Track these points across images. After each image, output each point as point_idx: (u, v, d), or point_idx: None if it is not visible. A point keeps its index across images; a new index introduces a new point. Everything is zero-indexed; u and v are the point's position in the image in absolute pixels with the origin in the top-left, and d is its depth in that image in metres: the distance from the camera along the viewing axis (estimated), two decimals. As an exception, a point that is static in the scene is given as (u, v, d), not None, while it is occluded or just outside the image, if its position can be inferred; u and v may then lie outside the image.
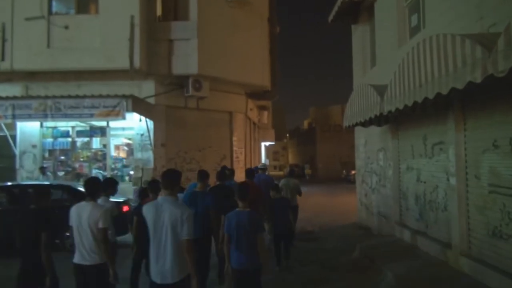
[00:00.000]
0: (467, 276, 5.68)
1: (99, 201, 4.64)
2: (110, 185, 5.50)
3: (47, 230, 4.14)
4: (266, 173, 9.86)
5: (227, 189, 6.11)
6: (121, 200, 9.38)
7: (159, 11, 13.92)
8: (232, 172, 8.14)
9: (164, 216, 3.56)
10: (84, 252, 4.15)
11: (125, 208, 9.18)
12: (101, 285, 4.19)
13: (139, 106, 11.82)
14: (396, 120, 8.63)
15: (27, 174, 12.86)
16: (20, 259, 4.28)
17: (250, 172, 7.93)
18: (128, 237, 9.24)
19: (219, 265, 5.93)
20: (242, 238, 4.24)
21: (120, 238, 9.10)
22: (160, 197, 3.80)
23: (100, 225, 4.13)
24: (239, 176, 12.41)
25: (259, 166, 10.45)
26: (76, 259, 4.20)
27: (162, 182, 3.78)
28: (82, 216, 4.14)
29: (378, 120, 8.43)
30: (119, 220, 8.88)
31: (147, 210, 3.70)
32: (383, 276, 6.38)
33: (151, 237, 3.64)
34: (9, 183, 10.00)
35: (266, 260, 4.56)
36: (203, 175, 5.91)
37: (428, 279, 5.78)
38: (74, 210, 4.25)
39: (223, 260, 4.69)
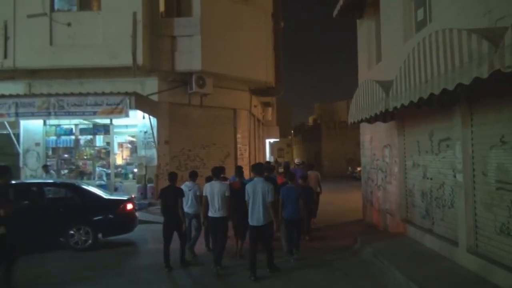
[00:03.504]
0: (474, 274, 5.60)
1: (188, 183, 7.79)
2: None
3: (182, 197, 7.10)
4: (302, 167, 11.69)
5: (273, 180, 8.23)
6: (125, 198, 9.24)
7: (161, 7, 13.86)
8: (273, 167, 10.92)
9: (258, 189, 6.33)
10: (213, 211, 6.79)
11: (129, 206, 8.87)
12: (224, 229, 6.91)
13: (143, 103, 11.80)
14: (401, 116, 8.52)
15: (31, 172, 12.91)
16: (165, 215, 7.07)
17: (286, 167, 10.52)
18: (132, 235, 9.18)
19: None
20: (290, 201, 7.26)
21: (122, 237, 9.06)
22: (255, 178, 6.56)
23: (227, 194, 6.81)
24: (246, 173, 12.36)
25: (296, 162, 12.37)
26: (210, 214, 6.82)
27: (254, 170, 6.78)
28: (214, 189, 6.79)
29: (384, 116, 8.33)
30: (122, 218, 8.79)
31: (249, 186, 6.44)
32: (390, 274, 6.31)
33: (250, 200, 6.35)
34: (14, 182, 9.98)
35: (304, 213, 7.95)
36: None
37: (435, 277, 5.71)
38: (208, 186, 6.90)
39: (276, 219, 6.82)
